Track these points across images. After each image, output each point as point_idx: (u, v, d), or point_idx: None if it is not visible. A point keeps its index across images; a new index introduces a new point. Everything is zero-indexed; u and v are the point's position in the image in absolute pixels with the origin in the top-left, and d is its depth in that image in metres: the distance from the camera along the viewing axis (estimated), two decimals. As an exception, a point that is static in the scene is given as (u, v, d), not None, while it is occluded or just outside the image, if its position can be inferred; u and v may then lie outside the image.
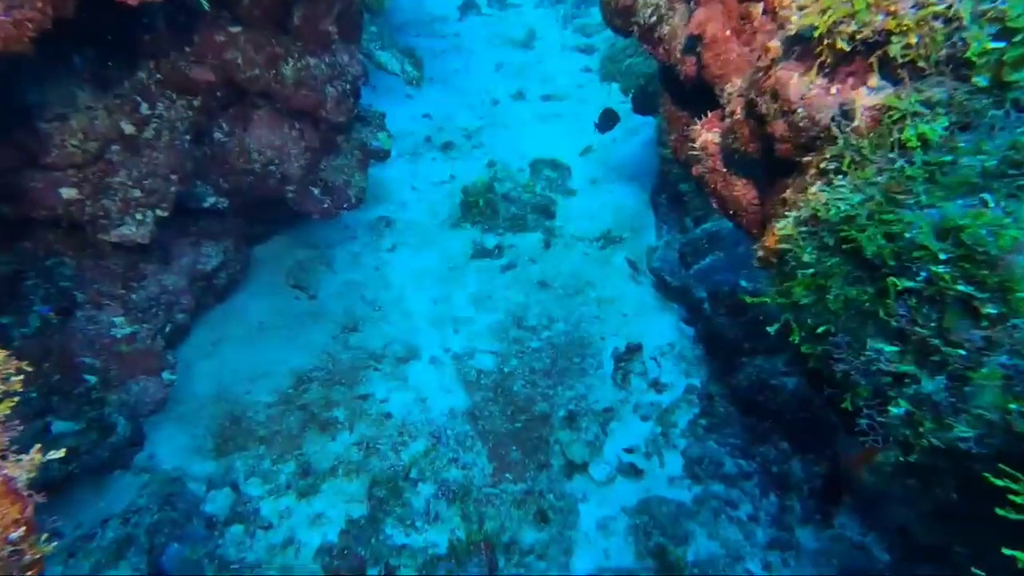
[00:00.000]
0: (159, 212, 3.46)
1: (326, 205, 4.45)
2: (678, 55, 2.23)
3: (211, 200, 4.24)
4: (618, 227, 6.59)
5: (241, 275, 5.09)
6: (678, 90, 2.53)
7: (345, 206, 4.57)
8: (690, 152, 2.18)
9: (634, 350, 5.22)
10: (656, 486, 4.20)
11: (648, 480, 4.28)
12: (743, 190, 2.11)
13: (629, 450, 4.52)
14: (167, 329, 3.90)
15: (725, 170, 2.08)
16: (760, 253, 1.79)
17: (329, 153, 4.57)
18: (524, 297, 6.04)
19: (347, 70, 4.36)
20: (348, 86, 4.35)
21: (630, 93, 5.73)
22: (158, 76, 3.37)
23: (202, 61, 3.45)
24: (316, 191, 4.45)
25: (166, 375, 3.57)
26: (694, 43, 2.03)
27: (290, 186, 4.37)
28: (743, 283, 4.12)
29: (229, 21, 3.49)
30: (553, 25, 9.19)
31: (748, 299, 1.57)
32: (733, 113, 1.77)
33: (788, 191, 1.57)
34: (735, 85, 1.82)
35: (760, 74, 1.57)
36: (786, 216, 1.49)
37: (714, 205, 2.21)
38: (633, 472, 4.33)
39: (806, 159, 1.55)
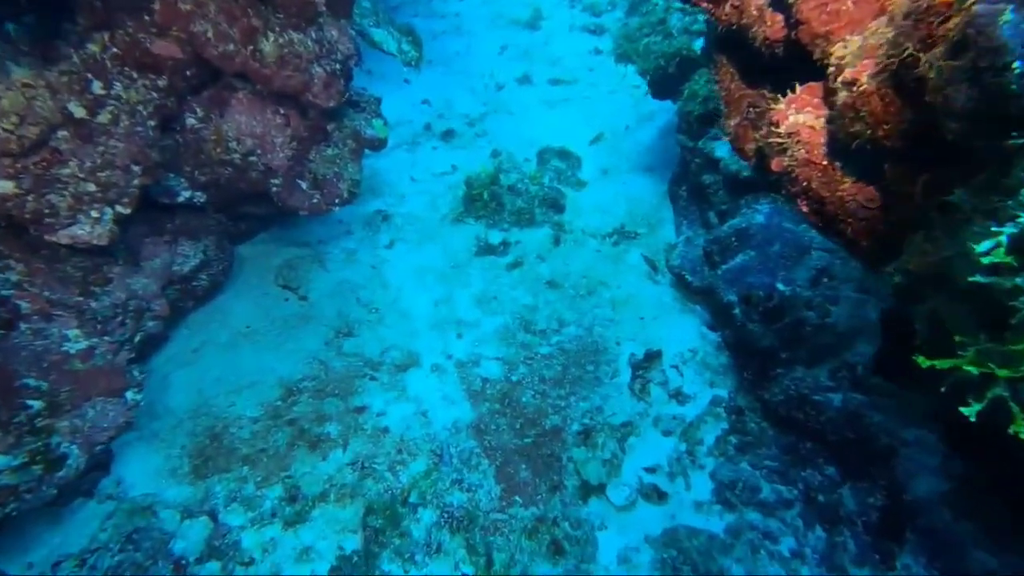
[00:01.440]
0: (119, 209, 3.02)
1: (315, 200, 4.00)
2: (754, 12, 1.75)
3: (186, 194, 3.79)
4: (633, 222, 6.13)
5: (225, 275, 4.65)
6: (745, 60, 2.05)
7: (336, 202, 4.12)
8: (770, 140, 1.69)
9: (653, 357, 4.79)
10: (682, 512, 3.79)
11: (673, 505, 3.87)
12: (853, 189, 1.61)
13: (651, 469, 4.11)
14: (136, 339, 3.48)
15: (826, 163, 1.59)
16: (898, 279, 1.30)
17: (318, 142, 4.11)
18: (532, 298, 5.60)
19: (336, 48, 3.88)
20: (338, 66, 3.88)
21: (648, 75, 5.23)
22: (114, 50, 2.91)
23: (166, 34, 2.99)
24: (304, 185, 4.00)
25: (131, 395, 3.15)
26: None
27: (275, 179, 3.92)
28: (780, 287, 3.68)
29: (196, -14, 3.02)
30: (560, 4, 8.64)
31: (926, 362, 1.10)
32: (854, 83, 1.30)
33: (969, 194, 1.11)
34: (850, 46, 1.35)
35: (923, 18, 1.10)
36: (976, 231, 0.97)
37: (802, 209, 1.75)
38: (656, 495, 3.92)
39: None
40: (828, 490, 3.12)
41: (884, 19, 1.27)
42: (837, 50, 1.39)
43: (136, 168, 3.04)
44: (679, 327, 5.04)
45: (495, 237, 6.13)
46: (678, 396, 4.55)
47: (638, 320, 5.25)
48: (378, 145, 4.34)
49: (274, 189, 3.94)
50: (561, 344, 5.17)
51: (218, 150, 3.60)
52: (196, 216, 4.09)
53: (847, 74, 1.27)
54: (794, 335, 3.64)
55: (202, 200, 3.86)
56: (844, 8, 1.42)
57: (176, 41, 3.02)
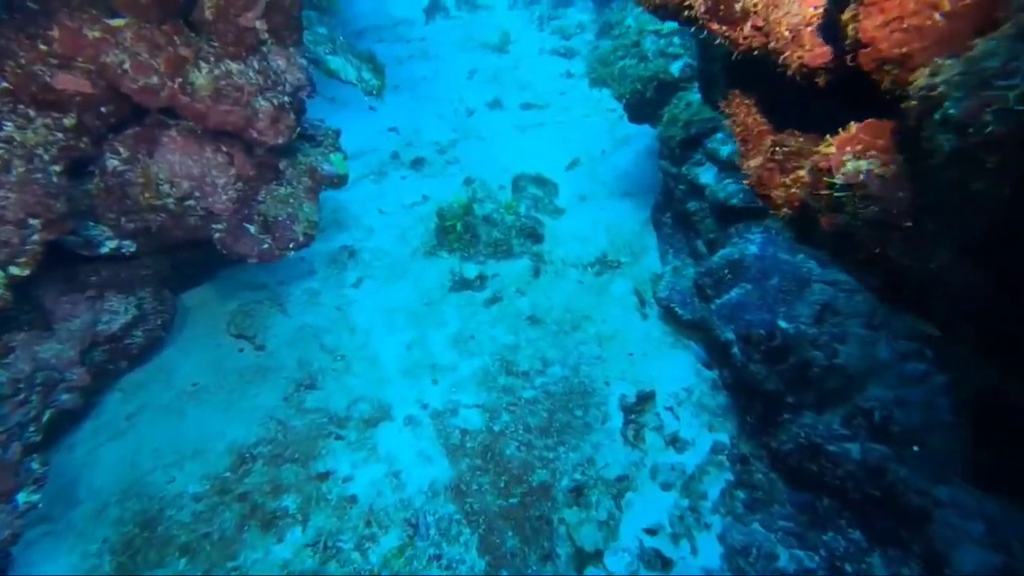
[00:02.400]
0: (15, 271, 2.54)
1: (266, 246, 3.56)
2: (786, 34, 1.41)
3: (111, 244, 3.31)
4: (615, 250, 5.82)
5: (165, 328, 4.13)
6: (768, 91, 1.69)
7: (291, 246, 3.69)
8: (819, 192, 1.29)
9: (646, 399, 4.43)
10: (690, 582, 3.38)
11: (679, 573, 3.45)
12: (956, 266, 1.14)
13: (652, 531, 3.70)
14: (45, 417, 2.94)
15: (909, 225, 1.22)
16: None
17: (268, 181, 3.69)
18: (513, 336, 5.20)
19: (284, 78, 3.49)
20: (287, 99, 3.49)
21: (624, 99, 4.99)
22: (3, 85, 2.47)
23: (70, 65, 2.56)
24: (252, 229, 3.56)
25: (24, 496, 2.60)
26: (841, 5, 1.20)
27: (217, 224, 3.47)
28: (783, 324, 3.37)
29: (106, 11, 2.60)
30: (529, 27, 8.47)
31: None
32: (969, 124, 0.93)
33: None
34: (944, 72, 0.97)
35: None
36: None
37: (868, 281, 1.40)
38: (660, 562, 3.51)
39: None
40: (855, 558, 2.77)
41: (1003, 33, 0.90)
42: (920, 78, 1.05)
43: (35, 222, 2.57)
44: (671, 364, 4.70)
45: (471, 271, 5.75)
46: (675, 442, 4.18)
47: (627, 357, 4.90)
48: (337, 182, 3.94)
49: (217, 235, 3.48)
50: (546, 386, 4.77)
51: (147, 195, 3.14)
52: (127, 266, 3.60)
53: (956, 112, 0.94)
54: (800, 377, 3.32)
55: (131, 250, 3.39)
56: (929, 24, 1.06)
57: (84, 74, 2.60)
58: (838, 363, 3.14)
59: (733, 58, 1.63)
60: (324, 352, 4.96)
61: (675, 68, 4.71)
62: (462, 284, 5.64)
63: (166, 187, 3.21)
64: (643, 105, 5.03)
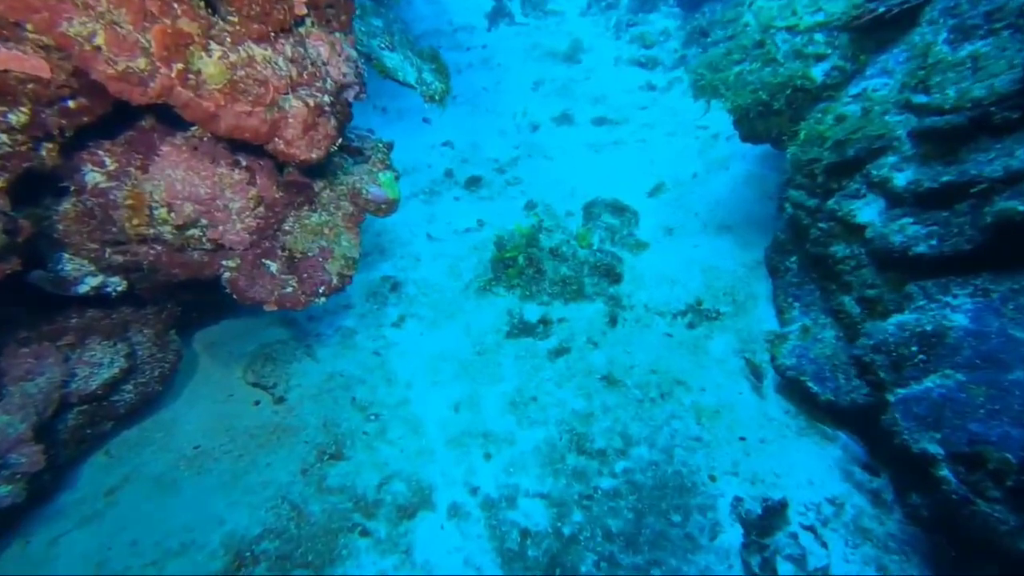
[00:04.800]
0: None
1: (289, 289, 2.71)
2: None
3: (92, 283, 2.53)
4: (712, 297, 4.72)
5: (162, 381, 3.34)
6: None
7: (322, 291, 2.82)
8: None
9: (775, 511, 3.27)
10: None
11: None
12: None
13: None
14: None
15: None
16: None
17: (299, 206, 2.85)
18: (584, 400, 4.17)
19: (325, 71, 2.65)
20: (327, 99, 2.64)
21: (739, 113, 3.95)
22: (-87, 61, 1.72)
23: (19, 36, 1.79)
24: (273, 267, 2.71)
25: None
26: None
27: (228, 261, 2.64)
28: (1033, 447, 2.19)
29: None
30: (603, 35, 7.57)
31: None
32: None
33: None
34: None
35: None
36: None
37: None
38: None
39: None
40: None
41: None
42: None
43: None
44: (804, 460, 3.53)
45: (532, 313, 4.77)
46: (822, 582, 3.00)
47: (738, 442, 3.76)
48: (386, 208, 3.06)
49: (227, 275, 2.65)
50: (630, 474, 3.70)
51: (136, 221, 2.35)
52: (117, 307, 2.82)
53: None
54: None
55: (119, 289, 2.60)
56: None
57: (38, 49, 1.82)
58: None
59: None
60: (355, 409, 4.06)
61: (817, 72, 3.64)
62: (522, 329, 4.67)
63: (162, 211, 2.42)
64: (766, 119, 3.96)
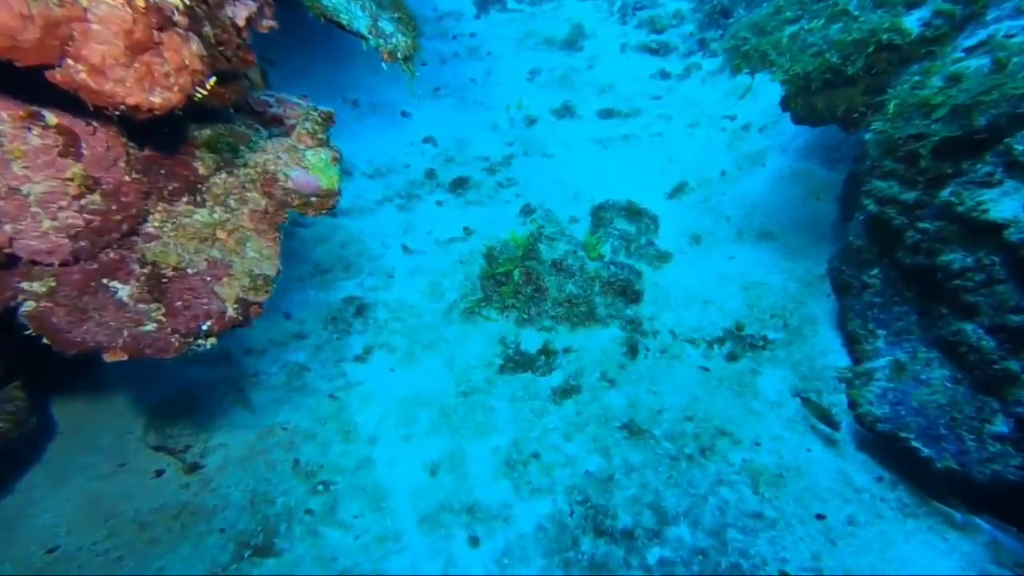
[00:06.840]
0: None
1: (151, 327, 1.71)
2: None
3: None
4: (756, 321, 3.77)
5: (20, 455, 2.29)
6: None
7: (207, 327, 1.83)
8: None
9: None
10: None
11: None
12: None
13: None
14: None
15: None
16: None
17: (172, 197, 1.86)
18: (601, 458, 3.21)
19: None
20: (182, 3, 1.65)
21: (800, 83, 3.02)
22: None
23: None
24: (123, 291, 1.72)
25: None
26: None
27: (32, 283, 1.64)
28: None
29: None
30: (607, 20, 6.72)
31: None
32: None
33: None
34: None
35: None
36: None
37: None
38: None
39: None
40: None
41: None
42: None
43: None
44: (921, 557, 2.53)
45: (531, 341, 3.80)
46: None
47: (815, 522, 2.77)
48: (316, 203, 2.08)
49: (27, 306, 1.65)
50: (669, 569, 2.70)
51: None
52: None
53: None
54: None
55: None
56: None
57: None
58: None
59: None
60: (298, 477, 3.06)
61: (911, 22, 2.73)
62: (518, 363, 3.69)
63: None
64: (831, 93, 3.05)
